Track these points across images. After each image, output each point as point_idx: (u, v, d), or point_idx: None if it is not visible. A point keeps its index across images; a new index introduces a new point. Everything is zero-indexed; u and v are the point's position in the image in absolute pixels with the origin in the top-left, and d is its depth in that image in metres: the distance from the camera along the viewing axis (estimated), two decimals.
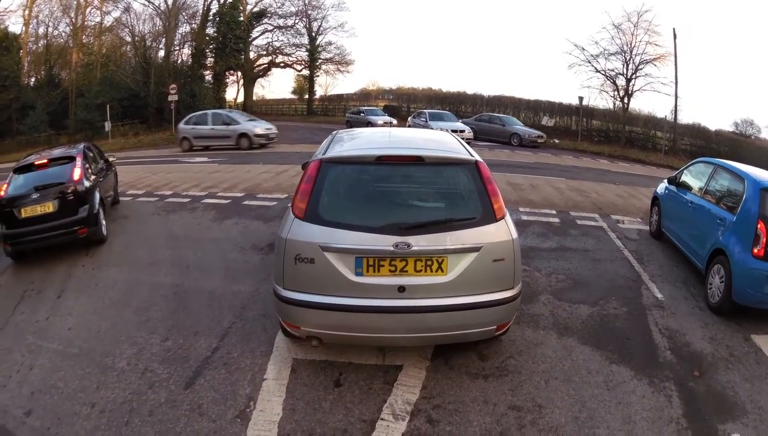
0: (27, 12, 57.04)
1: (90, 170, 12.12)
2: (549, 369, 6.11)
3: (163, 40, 56.22)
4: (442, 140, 7.05)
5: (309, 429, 5.13)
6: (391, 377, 5.89)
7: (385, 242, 5.28)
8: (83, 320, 8.09)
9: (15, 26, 59.56)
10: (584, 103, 44.15)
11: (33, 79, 61.82)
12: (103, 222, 12.01)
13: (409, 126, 34.07)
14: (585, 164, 26.87)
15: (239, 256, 10.08)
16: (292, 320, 5.72)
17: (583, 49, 47.28)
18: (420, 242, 5.30)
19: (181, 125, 32.79)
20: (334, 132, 7.55)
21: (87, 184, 11.47)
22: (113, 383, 6.33)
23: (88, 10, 58.50)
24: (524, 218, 11.85)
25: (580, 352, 6.53)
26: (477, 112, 45.26)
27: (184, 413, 5.58)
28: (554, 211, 13.04)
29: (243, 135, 30.74)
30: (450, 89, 61.43)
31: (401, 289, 5.35)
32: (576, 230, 11.55)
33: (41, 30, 61.03)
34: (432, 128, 25.96)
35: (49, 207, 10.91)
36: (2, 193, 11.11)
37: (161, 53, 56.97)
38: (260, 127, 31.47)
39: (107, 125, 43.83)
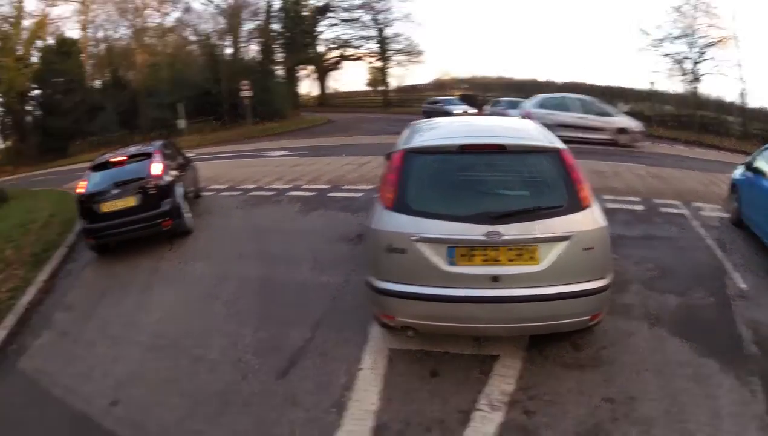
0: (83, 17, 59.92)
1: (170, 165, 12.46)
2: (640, 360, 5.95)
3: (229, 38, 56.81)
4: (523, 128, 7.01)
5: (406, 419, 5.12)
6: (487, 367, 5.82)
7: (476, 232, 5.25)
8: (171, 313, 8.27)
9: (71, 32, 61.46)
10: (655, 88, 42.78)
11: (98, 82, 63.83)
12: (188, 214, 12.35)
13: (488, 114, 33.42)
14: (662, 150, 26.03)
15: (327, 247, 10.05)
16: (387, 310, 5.72)
17: (649, 33, 46.11)
18: (510, 231, 5.25)
19: (532, 108, 28.74)
20: (412, 122, 7.56)
21: (168, 178, 11.80)
22: (205, 373, 6.46)
23: (147, 12, 60.12)
24: (609, 205, 11.50)
25: (670, 343, 6.32)
26: None
27: (278, 403, 5.65)
28: (638, 199, 12.66)
29: (622, 130, 26.65)
30: (521, 77, 60.56)
31: (495, 278, 5.30)
32: (660, 218, 11.21)
33: (100, 34, 63.64)
34: (510, 116, 25.43)
35: (131, 201, 11.30)
36: (82, 190, 11.64)
37: (228, 50, 57.71)
38: (634, 123, 28.06)
39: (182, 123, 45.07)
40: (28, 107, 62.62)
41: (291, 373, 6.13)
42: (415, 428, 4.99)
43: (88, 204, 11.44)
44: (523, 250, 5.25)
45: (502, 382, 5.50)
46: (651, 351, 6.08)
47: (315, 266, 9.17)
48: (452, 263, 5.29)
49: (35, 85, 59.95)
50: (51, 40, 59.02)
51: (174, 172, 12.42)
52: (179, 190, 12.11)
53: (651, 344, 6.21)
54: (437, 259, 5.30)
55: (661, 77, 64.19)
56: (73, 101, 55.69)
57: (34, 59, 60.17)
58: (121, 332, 7.83)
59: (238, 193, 16.32)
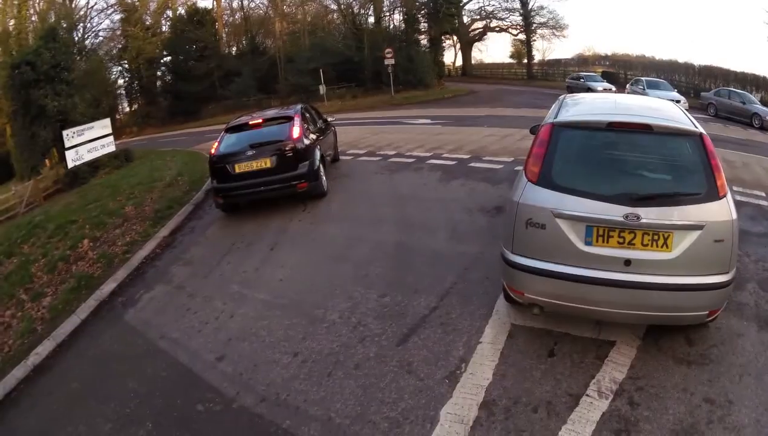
0: None
1: (309, 129, 12.73)
2: (745, 363, 5.60)
3: (371, 7, 57.20)
4: (666, 109, 6.72)
5: (515, 397, 5.07)
6: (603, 352, 5.66)
7: (615, 212, 5.12)
8: (296, 273, 8.46)
9: (204, 2, 64.39)
10: None
11: (234, 49, 66.36)
12: (324, 178, 12.59)
13: (628, 93, 32.55)
14: None
15: (466, 217, 9.96)
16: (517, 285, 5.68)
17: None
18: (649, 215, 5.09)
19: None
20: (561, 96, 7.35)
21: (306, 141, 12.05)
22: (321, 334, 6.60)
23: None
24: (737, 197, 10.82)
25: None
26: (688, 82, 44.11)
27: (391, 369, 5.71)
28: (764, 194, 11.85)
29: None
30: (661, 57, 58.59)
31: (627, 262, 5.15)
32: None
33: (235, 3, 67.54)
34: (649, 96, 24.65)
35: (267, 163, 11.67)
36: (213, 151, 12.19)
37: (371, 19, 58.45)
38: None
39: (322, 88, 46.02)
40: (158, 73, 65.62)
41: (410, 341, 6.15)
42: (522, 407, 4.93)
43: (220, 164, 11.94)
44: (659, 235, 5.10)
45: (615, 369, 5.37)
46: (756, 355, 5.75)
47: (452, 235, 9.14)
48: (588, 243, 5.20)
49: (166, 53, 62.68)
50: (182, 10, 62.18)
51: (312, 136, 12.70)
52: (317, 153, 12.35)
53: (757, 348, 5.87)
54: (574, 237, 5.21)
55: None
56: (207, 67, 58.52)
57: (165, 28, 63.05)
58: (241, 289, 8.07)
59: (378, 158, 16.51)
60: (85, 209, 15.57)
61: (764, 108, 29.90)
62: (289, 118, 12.36)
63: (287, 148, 11.70)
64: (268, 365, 6.07)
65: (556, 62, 67.05)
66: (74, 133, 25.17)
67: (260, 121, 12.75)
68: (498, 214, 9.57)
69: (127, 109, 70.77)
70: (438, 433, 4.75)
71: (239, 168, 11.66)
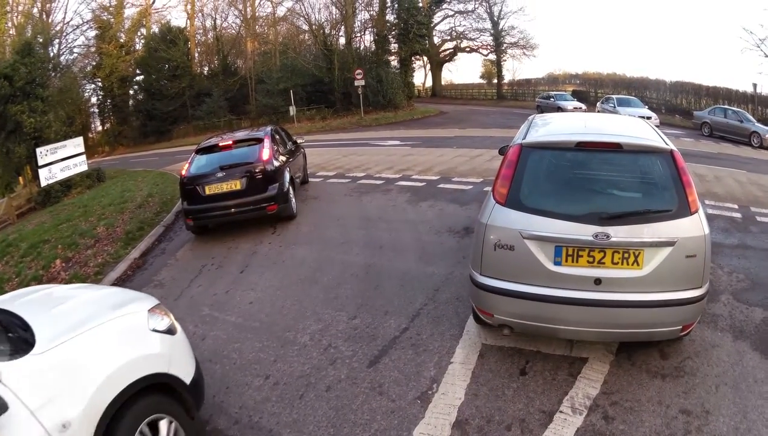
0: (190, 6, 64.46)
1: (278, 151, 12.87)
2: (721, 374, 5.73)
3: (342, 27, 57.63)
4: (636, 127, 6.82)
5: (488, 416, 5.10)
6: (576, 369, 5.74)
7: (584, 232, 5.17)
8: (266, 295, 8.47)
9: (177, 20, 65.00)
10: (758, 90, 40.74)
11: (206, 69, 66.71)
12: (293, 200, 12.74)
13: (599, 111, 33.10)
14: (764, 156, 24.85)
15: (434, 238, 10.09)
16: (486, 306, 5.71)
17: (752, 32, 44.09)
18: (619, 233, 5.15)
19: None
20: (531, 117, 7.48)
21: (276, 163, 12.23)
22: (292, 357, 6.62)
23: (258, 1, 62.90)
24: (709, 211, 11.09)
25: (750, 358, 6.04)
26: (659, 98, 45.12)
27: (363, 391, 5.72)
28: (736, 206, 12.15)
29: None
30: (632, 74, 59.39)
31: (597, 281, 5.20)
32: (756, 227, 10.68)
33: (208, 23, 67.83)
34: (620, 114, 24.94)
35: (237, 185, 11.85)
36: (184, 172, 12.24)
37: (342, 40, 58.75)
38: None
39: (292, 109, 46.38)
40: (130, 91, 65.62)
41: (381, 362, 6.20)
42: (495, 425, 4.96)
43: (190, 186, 12.07)
44: (629, 253, 5.16)
45: (588, 385, 5.44)
46: (731, 365, 5.88)
47: (421, 256, 9.22)
48: (558, 263, 5.25)
49: (138, 71, 62.72)
50: (156, 29, 62.61)
51: (282, 158, 12.84)
52: (287, 175, 12.51)
53: (732, 358, 5.99)
54: (544, 258, 5.26)
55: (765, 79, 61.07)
56: (179, 87, 58.83)
57: (138, 46, 62.98)
58: (212, 312, 8.10)
59: (347, 180, 16.64)
60: (58, 229, 15.56)
61: (763, 126, 29.57)
62: (259, 140, 12.58)
63: (257, 170, 11.89)
64: (240, 388, 6.07)
65: (527, 82, 67.99)
66: (48, 151, 25.15)
67: (230, 142, 12.84)
68: (467, 235, 9.69)
69: (100, 127, 70.47)
70: None
71: (209, 190, 11.81)
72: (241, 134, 13.85)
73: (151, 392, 4.65)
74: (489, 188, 6.04)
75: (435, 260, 8.90)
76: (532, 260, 5.26)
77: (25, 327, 4.42)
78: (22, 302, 5.51)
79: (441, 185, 14.43)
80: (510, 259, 5.38)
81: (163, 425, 4.64)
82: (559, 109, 36.02)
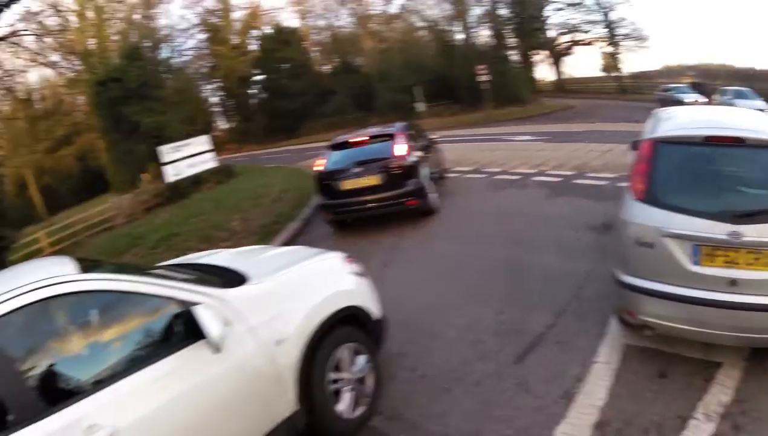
0: (300, 7, 66.53)
1: (413, 146, 12.82)
2: None
3: (458, 23, 57.30)
4: (759, 120, 6.39)
5: (627, 418, 4.94)
6: (710, 373, 5.43)
7: (719, 230, 4.93)
8: (410, 290, 8.51)
9: (289, 21, 67.23)
10: None
11: (327, 67, 67.82)
12: (432, 195, 12.72)
13: (717, 104, 31.59)
14: None
15: (573, 234, 9.87)
16: (630, 306, 5.57)
17: None
18: (751, 232, 4.85)
19: None
20: (656, 111, 7.23)
21: (412, 159, 12.22)
22: (440, 350, 6.62)
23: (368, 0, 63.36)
24: None
25: None
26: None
27: (509, 387, 5.67)
28: None
29: None
30: (745, 65, 56.49)
31: (733, 282, 4.95)
32: None
33: (321, 22, 69.13)
34: (737, 106, 23.76)
35: (375, 180, 11.95)
36: (321, 167, 12.79)
37: (459, 36, 58.42)
38: None
39: (420, 106, 46.06)
40: (252, 91, 67.72)
41: (527, 358, 6.12)
42: (633, 428, 4.81)
43: (327, 181, 12.46)
44: (763, 253, 4.86)
45: (721, 392, 5.15)
46: None
47: (561, 252, 9.08)
48: (696, 263, 5.04)
49: (257, 71, 64.06)
50: (268, 29, 63.99)
51: (418, 153, 12.75)
52: (424, 170, 12.48)
53: None
54: (682, 257, 5.07)
55: None
56: (301, 85, 59.72)
57: (253, 47, 63.98)
58: None
59: (484, 176, 16.60)
60: (189, 223, 15.92)
61: None
62: (394, 136, 12.62)
63: (394, 166, 11.91)
64: (386, 380, 6.10)
65: (645, 74, 65.69)
66: (172, 148, 25.95)
67: (365, 138, 13.05)
68: (605, 232, 9.44)
69: (225, 126, 72.33)
70: None
71: (347, 185, 12.06)
72: (374, 130, 13.89)
73: (346, 323, 5.51)
74: (623, 184, 5.83)
75: (576, 256, 8.73)
76: (671, 259, 5.10)
77: (235, 271, 5.37)
78: (221, 256, 6.76)
79: (576, 181, 14.15)
80: (650, 257, 5.23)
81: (353, 353, 5.54)
82: (679, 102, 34.74)
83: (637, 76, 66.67)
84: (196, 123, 46.11)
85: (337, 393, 5.31)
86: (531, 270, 8.49)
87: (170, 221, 17.74)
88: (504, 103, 48.47)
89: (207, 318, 4.12)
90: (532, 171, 16.30)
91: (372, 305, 6.04)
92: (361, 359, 5.65)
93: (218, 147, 47.48)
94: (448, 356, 6.45)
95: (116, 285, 4.16)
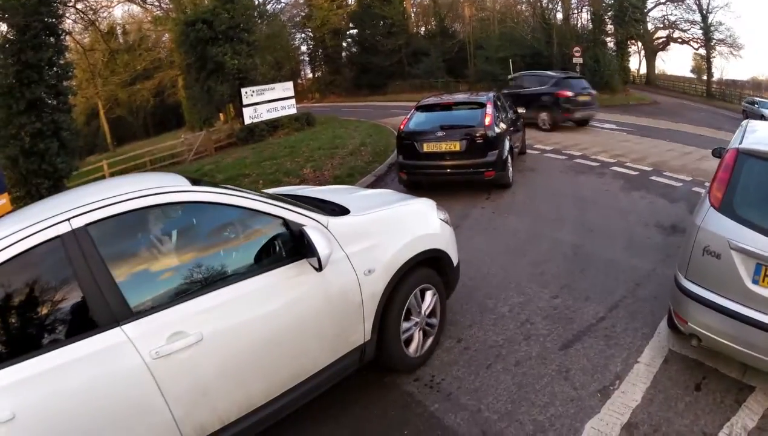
0: None
1: (500, 118, 12.62)
2: None
3: (560, 2, 55.94)
4: None
5: (656, 425, 4.80)
6: (742, 396, 5.23)
7: None
8: (473, 260, 8.43)
9: None
10: None
11: (423, 29, 67.18)
12: (510, 169, 12.58)
13: None
14: None
15: (643, 230, 9.67)
16: (683, 312, 5.34)
17: None
18: None
19: None
20: (745, 121, 6.83)
21: (497, 130, 12.02)
22: (488, 325, 6.57)
23: None
24: None
25: None
26: None
27: (549, 373, 5.60)
28: None
29: None
30: None
31: None
32: None
33: None
34: None
35: (456, 146, 11.80)
36: (402, 126, 12.70)
37: (559, 15, 57.23)
38: None
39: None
40: (343, 44, 68.05)
41: (573, 347, 6.02)
42: (660, 435, 4.67)
43: (408, 141, 12.32)
44: None
45: (747, 416, 4.95)
46: None
47: (628, 247, 8.88)
48: (755, 281, 4.78)
49: (352, 25, 64.30)
50: None
51: (503, 126, 12.56)
52: (506, 143, 12.28)
53: None
54: (744, 273, 4.81)
55: None
56: (395, 44, 59.88)
57: (351, 1, 63.74)
58: None
59: (564, 157, 16.33)
60: (260, 166, 15.91)
61: None
62: (482, 105, 12.34)
63: (478, 135, 11.67)
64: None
65: (733, 83, 64.07)
66: (253, 91, 25.96)
67: (452, 103, 12.94)
68: (673, 233, 9.23)
69: (310, 75, 72.36)
70: None
71: (427, 147, 11.92)
72: (462, 97, 13.79)
73: (428, 265, 5.70)
74: (698, 189, 5.60)
75: (640, 253, 8.53)
76: (733, 273, 4.84)
77: (336, 203, 5.63)
78: (315, 190, 7.08)
79: (653, 177, 13.79)
80: (715, 267, 4.99)
81: (429, 294, 5.78)
82: (763, 117, 33.54)
83: (724, 84, 64.82)
84: (282, 69, 46.18)
85: (407, 331, 5.54)
86: (595, 260, 8.34)
87: (241, 162, 17.76)
88: (594, 89, 46.79)
89: (316, 237, 4.25)
90: (611, 160, 15.99)
91: (453, 252, 6.17)
92: (434, 302, 5.86)
93: (301, 95, 47.55)
94: (496, 332, 6.40)
95: (228, 199, 4.27)
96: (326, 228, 4.70)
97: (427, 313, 5.80)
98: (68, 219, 3.61)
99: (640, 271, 7.85)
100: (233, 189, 4.56)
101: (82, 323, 3.55)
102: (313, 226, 4.54)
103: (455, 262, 6.22)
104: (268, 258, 4.44)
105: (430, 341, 5.94)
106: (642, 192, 12.33)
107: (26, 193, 18.67)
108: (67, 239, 3.57)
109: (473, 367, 5.74)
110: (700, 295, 5.06)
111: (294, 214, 4.54)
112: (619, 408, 5.00)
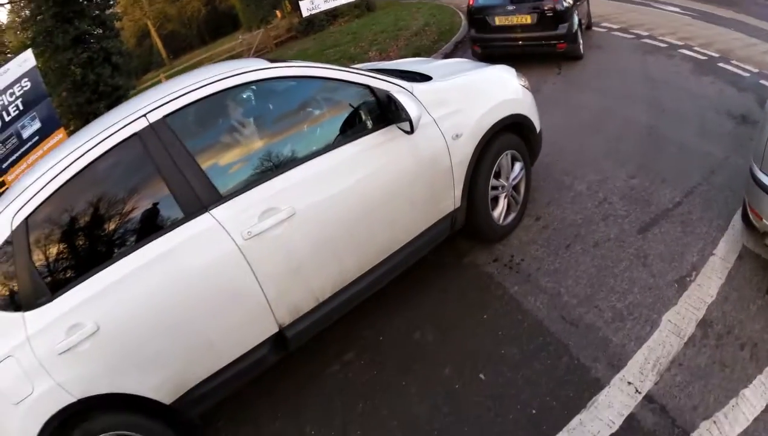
0: None
1: None
2: None
3: None
4: None
5: (729, 325, 4.49)
6: None
7: None
8: (549, 135, 7.91)
9: None
10: None
11: None
12: (581, 42, 12.17)
13: None
14: None
15: (714, 116, 9.04)
16: (758, 207, 4.84)
17: None
18: None
19: None
20: None
21: (565, 4, 11.54)
22: (566, 203, 6.29)
23: None
24: None
25: None
26: None
27: (627, 257, 5.31)
28: None
29: None
30: None
31: None
32: None
33: None
34: None
35: (527, 19, 11.48)
36: (471, 2, 12.35)
37: None
38: None
39: None
40: None
41: (650, 231, 5.68)
42: (732, 339, 4.36)
43: (479, 15, 12.08)
44: None
45: None
46: None
47: (700, 132, 8.31)
48: None
49: None
50: None
51: (571, 1, 11.99)
52: (575, 17, 11.82)
53: None
54: None
55: None
56: None
57: None
58: None
59: (631, 36, 15.45)
60: (323, 54, 15.51)
61: None
62: None
63: (547, 8, 11.29)
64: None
65: None
66: None
67: None
68: (743, 123, 8.59)
69: None
70: (655, 339, 4.36)
71: (499, 21, 11.75)
72: None
73: (511, 131, 5.50)
74: (765, 81, 5.23)
75: (713, 140, 7.98)
76: None
77: (418, 72, 5.44)
78: (395, 63, 6.99)
79: (720, 64, 12.88)
80: None
81: (517, 166, 5.72)
82: None
83: None
84: None
85: (495, 199, 5.51)
86: (669, 141, 7.84)
87: (303, 53, 17.44)
88: None
89: (405, 100, 4.11)
90: (679, 42, 15.04)
91: (535, 118, 5.95)
92: (518, 168, 5.70)
93: None
94: (574, 210, 6.11)
95: (310, 72, 4.14)
96: (411, 94, 4.51)
97: (512, 181, 5.65)
98: (144, 115, 3.54)
99: (713, 157, 7.35)
100: (314, 63, 4.35)
101: (168, 216, 3.54)
102: (400, 91, 4.38)
103: (538, 128, 6.00)
104: (355, 127, 4.30)
105: (515, 212, 5.85)
106: (711, 77, 11.60)
107: (84, 123, 18.10)
108: (145, 135, 3.50)
109: (552, 247, 5.49)
110: None
111: (379, 82, 4.38)
112: (695, 302, 4.70)
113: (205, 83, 3.71)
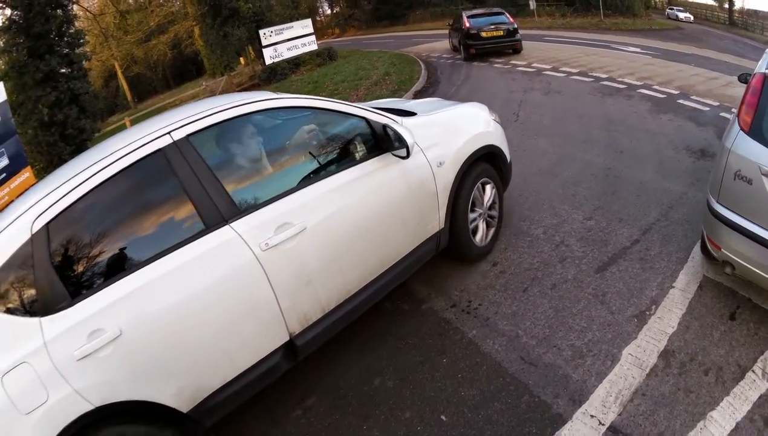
0: None
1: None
2: None
3: None
4: None
5: (692, 353, 4.55)
6: None
7: None
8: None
9: None
10: None
11: None
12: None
13: None
14: None
15: (672, 154, 9.20)
16: (716, 237, 4.95)
17: None
18: None
19: None
20: None
21: (515, 26, 23.09)
22: (523, 247, 6.39)
23: None
24: None
25: None
26: None
27: (585, 296, 5.38)
28: None
29: None
30: None
31: None
32: None
33: None
34: None
35: (500, 33, 22.50)
36: (467, 24, 22.54)
37: None
38: None
39: (532, 3, 45.89)
40: None
41: (608, 270, 5.76)
42: (696, 366, 4.40)
43: (473, 31, 22.23)
44: None
45: None
46: None
47: (658, 169, 8.43)
48: None
49: None
50: None
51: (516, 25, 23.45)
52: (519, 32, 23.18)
53: None
54: None
55: None
56: None
57: None
58: None
59: (590, 80, 15.91)
60: None
61: None
62: (503, 13, 23.67)
63: (510, 29, 22.56)
64: (465, 271, 6.00)
65: (755, 13, 61.67)
66: (272, 32, 25.85)
67: (489, 12, 23.75)
68: (702, 157, 8.74)
69: (328, 11, 71.11)
70: (616, 372, 4.40)
71: (485, 34, 22.23)
72: (491, 9, 26.03)
73: (485, 161, 6.05)
74: (725, 114, 5.21)
75: (671, 176, 8.10)
76: (766, 199, 4.42)
77: (403, 108, 6.09)
78: (375, 103, 7.55)
79: (680, 101, 13.15)
80: (746, 193, 4.59)
81: (489, 188, 6.14)
82: None
83: (747, 13, 62.48)
84: (298, 7, 45.32)
85: (473, 221, 5.94)
86: (626, 182, 7.98)
87: None
88: (615, 13, 46.68)
89: (401, 130, 4.69)
90: (638, 83, 15.42)
91: (506, 149, 6.55)
92: (493, 195, 6.23)
93: (320, 32, 47.03)
94: (531, 254, 6.21)
95: (316, 103, 4.62)
96: (402, 126, 4.94)
97: (488, 205, 6.16)
98: (169, 132, 3.80)
99: (671, 193, 7.47)
100: (321, 97, 4.80)
101: (190, 227, 3.73)
102: (393, 123, 4.90)
103: (508, 158, 6.62)
104: (355, 154, 4.79)
105: (492, 231, 6.36)
106: (670, 115, 11.80)
107: (48, 163, 18.37)
108: (169, 151, 3.75)
109: (510, 291, 5.56)
110: (732, 220, 4.69)
111: (374, 115, 4.90)
112: (655, 334, 4.77)
113: (225, 108, 4.08)
